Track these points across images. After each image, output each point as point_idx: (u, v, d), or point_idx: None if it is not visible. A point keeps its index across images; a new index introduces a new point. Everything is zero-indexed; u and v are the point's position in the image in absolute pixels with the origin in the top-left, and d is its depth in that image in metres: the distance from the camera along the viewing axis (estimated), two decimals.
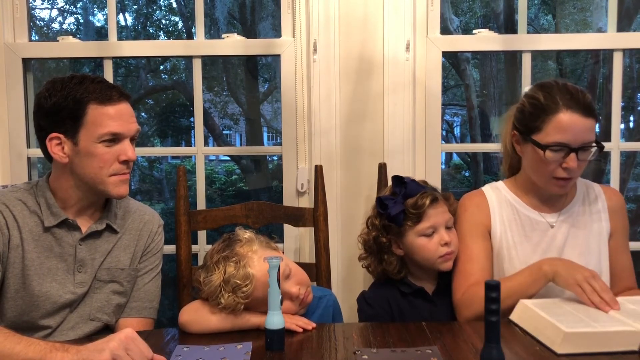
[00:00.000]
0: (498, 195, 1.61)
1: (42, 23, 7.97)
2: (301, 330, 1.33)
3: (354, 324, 1.63)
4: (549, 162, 1.45)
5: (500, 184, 1.65)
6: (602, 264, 1.54)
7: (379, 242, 1.58)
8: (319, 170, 1.84)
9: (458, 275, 1.54)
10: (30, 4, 3.43)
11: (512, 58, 6.41)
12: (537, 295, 1.40)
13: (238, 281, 1.32)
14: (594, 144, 1.45)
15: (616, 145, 2.08)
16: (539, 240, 1.55)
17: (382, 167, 1.87)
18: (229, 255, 1.35)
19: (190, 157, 6.47)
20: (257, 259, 1.35)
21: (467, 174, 8.27)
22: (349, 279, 2.02)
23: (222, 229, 1.70)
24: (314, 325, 1.36)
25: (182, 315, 1.36)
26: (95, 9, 7.90)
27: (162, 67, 7.77)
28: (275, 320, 1.23)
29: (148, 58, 6.81)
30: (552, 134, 1.43)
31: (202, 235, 2.09)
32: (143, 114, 7.73)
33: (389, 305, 1.56)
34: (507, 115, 1.60)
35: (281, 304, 1.26)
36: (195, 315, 1.35)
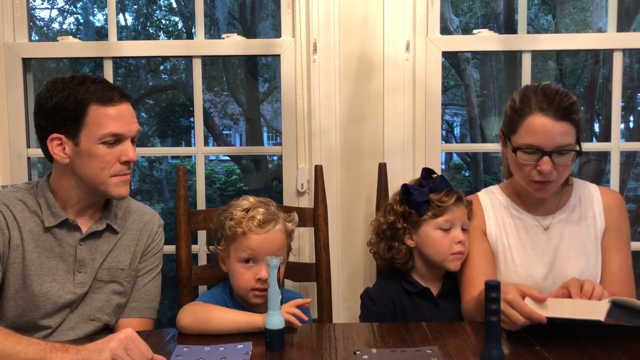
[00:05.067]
0: (492, 199, 1.62)
1: (42, 23, 7.98)
2: (300, 324, 1.33)
3: (354, 324, 1.64)
4: (523, 165, 1.46)
5: (495, 188, 1.66)
6: (599, 266, 1.54)
7: (394, 228, 1.59)
8: (319, 170, 1.84)
9: (463, 283, 1.55)
10: (30, 4, 3.42)
11: (512, 58, 6.41)
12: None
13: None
14: (570, 149, 1.42)
15: (616, 145, 2.08)
16: (534, 244, 1.55)
17: (382, 167, 1.87)
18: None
19: (190, 157, 6.47)
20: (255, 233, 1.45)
21: (467, 174, 8.27)
22: (349, 279, 2.02)
23: None
24: (306, 318, 1.37)
25: (182, 319, 1.35)
26: (95, 9, 7.90)
27: (162, 67, 7.77)
28: (275, 320, 1.24)
29: (148, 58, 6.81)
30: (524, 136, 1.44)
31: (202, 235, 2.09)
32: (143, 114, 7.74)
33: (393, 304, 1.56)
34: None
35: (281, 304, 1.27)
36: (194, 317, 1.35)
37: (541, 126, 1.41)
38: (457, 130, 9.89)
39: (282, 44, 2.03)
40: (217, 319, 1.34)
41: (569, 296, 1.31)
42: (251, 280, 1.44)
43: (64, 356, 1.09)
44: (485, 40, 2.05)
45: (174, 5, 8.06)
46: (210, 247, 1.58)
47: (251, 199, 1.53)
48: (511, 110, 1.49)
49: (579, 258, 1.52)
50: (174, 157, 8.43)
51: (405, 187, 1.59)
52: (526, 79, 2.06)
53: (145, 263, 1.52)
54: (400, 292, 1.58)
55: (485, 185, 1.74)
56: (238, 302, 1.50)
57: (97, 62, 3.87)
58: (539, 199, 1.54)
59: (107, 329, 1.45)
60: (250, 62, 6.80)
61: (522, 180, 1.51)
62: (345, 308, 2.00)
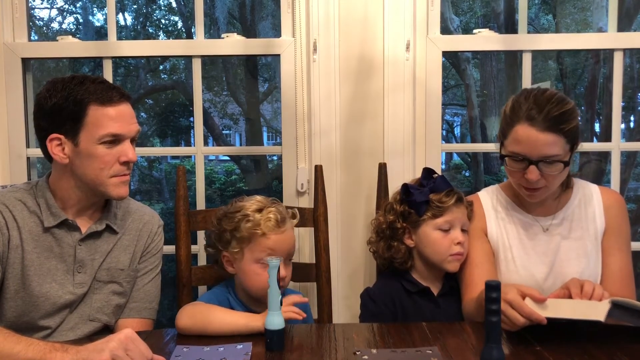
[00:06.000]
0: (493, 199, 1.62)
1: (42, 23, 7.97)
2: (300, 317, 1.35)
3: (354, 324, 1.64)
4: (512, 171, 1.47)
5: (495, 187, 1.66)
6: (599, 267, 1.53)
7: (394, 228, 1.59)
8: (319, 170, 1.83)
9: (464, 283, 1.55)
10: (30, 4, 3.43)
11: (513, 58, 6.42)
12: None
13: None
14: (558, 160, 1.41)
15: (616, 145, 2.08)
16: (534, 244, 1.55)
17: (382, 167, 1.87)
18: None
19: (190, 157, 6.48)
20: (269, 237, 1.45)
21: (467, 174, 8.27)
22: (349, 278, 2.01)
23: None
24: (304, 315, 1.39)
25: (180, 321, 1.35)
26: (94, 9, 7.90)
27: (161, 67, 7.77)
28: (275, 320, 1.23)
29: (148, 58, 6.81)
30: (512, 144, 1.44)
31: (201, 235, 2.09)
32: (143, 114, 7.74)
33: (393, 303, 1.56)
34: None
35: (281, 304, 1.26)
36: (193, 320, 1.35)
37: (526, 136, 1.41)
38: (457, 130, 9.90)
39: (282, 44, 2.03)
40: (216, 322, 1.33)
41: (570, 296, 1.31)
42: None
43: (63, 356, 1.09)
44: (485, 40, 2.05)
45: (174, 5, 8.07)
46: (210, 249, 1.56)
47: (259, 197, 1.53)
48: (504, 116, 1.49)
49: (580, 258, 1.52)
50: (173, 157, 8.43)
51: (405, 187, 1.59)
52: (526, 78, 2.05)
53: (144, 263, 1.52)
54: (400, 292, 1.58)
55: (486, 185, 1.74)
56: (242, 301, 1.50)
57: (97, 62, 3.88)
58: (532, 201, 1.54)
59: (107, 330, 1.45)
60: (250, 62, 6.80)
61: (514, 185, 1.51)
62: (345, 307, 2.00)
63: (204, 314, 1.36)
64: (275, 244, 1.45)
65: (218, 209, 1.65)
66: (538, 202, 1.55)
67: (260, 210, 1.47)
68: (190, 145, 8.15)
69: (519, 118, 1.42)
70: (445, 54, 2.04)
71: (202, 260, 2.08)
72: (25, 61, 2.09)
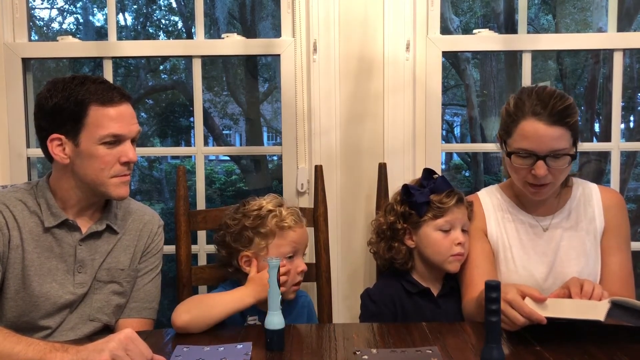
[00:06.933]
0: (493, 199, 1.62)
1: (42, 23, 7.97)
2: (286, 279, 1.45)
3: (354, 324, 1.64)
4: (518, 168, 1.46)
5: (495, 187, 1.66)
6: (598, 266, 1.53)
7: (394, 228, 1.59)
8: (319, 170, 1.83)
9: (464, 283, 1.55)
10: (30, 4, 3.43)
11: (512, 58, 6.41)
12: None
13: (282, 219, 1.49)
14: (565, 153, 1.42)
15: (616, 145, 2.08)
16: (534, 244, 1.55)
17: (382, 167, 1.87)
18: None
19: (190, 157, 6.47)
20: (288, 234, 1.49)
21: (467, 174, 8.27)
22: (349, 279, 2.01)
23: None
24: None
25: (179, 318, 1.33)
26: (95, 9, 7.89)
27: (161, 67, 7.76)
28: (275, 320, 1.24)
29: (148, 58, 6.80)
30: (518, 140, 1.44)
31: (201, 235, 2.09)
32: (143, 114, 7.73)
33: (393, 304, 1.56)
34: None
35: (281, 304, 1.27)
36: (192, 312, 1.35)
37: (534, 131, 1.41)
38: (457, 130, 9.89)
39: (282, 44, 2.03)
40: (217, 306, 1.36)
41: (569, 296, 1.31)
42: (294, 274, 1.49)
43: (63, 356, 1.09)
44: (485, 40, 2.05)
45: (174, 5, 8.06)
46: (223, 251, 1.54)
47: (272, 195, 1.58)
48: (506, 114, 1.49)
49: (579, 258, 1.52)
50: (173, 157, 8.42)
51: (405, 188, 1.59)
52: (526, 79, 2.06)
53: (145, 263, 1.52)
54: (400, 292, 1.58)
55: (486, 185, 1.74)
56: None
57: (97, 62, 3.87)
58: (537, 199, 1.54)
59: (107, 330, 1.45)
60: (250, 62, 6.80)
61: (519, 183, 1.51)
62: (345, 308, 2.00)
63: (201, 304, 1.37)
64: (299, 237, 1.50)
65: (224, 209, 1.65)
66: (538, 202, 1.55)
67: (281, 206, 1.52)
68: (190, 145, 8.13)
69: (524, 114, 1.43)
70: (445, 54, 2.04)
71: (202, 260, 2.08)
72: (26, 61, 2.10)
